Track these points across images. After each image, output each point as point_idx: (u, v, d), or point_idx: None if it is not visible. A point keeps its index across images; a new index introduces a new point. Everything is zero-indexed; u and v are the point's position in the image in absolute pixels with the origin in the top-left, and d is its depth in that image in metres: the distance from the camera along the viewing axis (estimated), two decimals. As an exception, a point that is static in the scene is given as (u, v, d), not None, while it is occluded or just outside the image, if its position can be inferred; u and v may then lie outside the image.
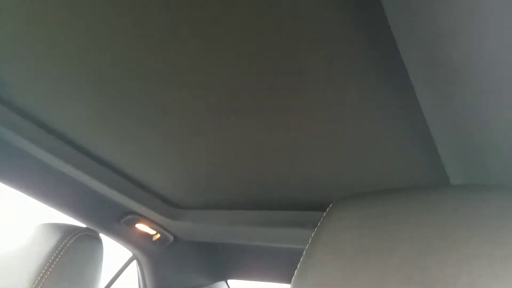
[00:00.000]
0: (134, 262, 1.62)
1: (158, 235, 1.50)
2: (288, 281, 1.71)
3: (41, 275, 0.84)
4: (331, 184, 0.98)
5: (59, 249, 0.89)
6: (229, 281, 1.86)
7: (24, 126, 0.96)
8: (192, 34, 0.62)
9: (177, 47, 0.65)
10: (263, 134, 0.86)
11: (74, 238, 0.92)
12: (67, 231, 0.93)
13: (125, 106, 0.84)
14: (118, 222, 1.40)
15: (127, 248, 1.55)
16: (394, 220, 0.52)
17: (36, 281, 0.83)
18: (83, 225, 1.19)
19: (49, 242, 0.90)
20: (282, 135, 0.85)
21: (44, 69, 0.79)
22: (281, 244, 1.35)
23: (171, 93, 0.77)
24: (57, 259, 0.88)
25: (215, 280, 1.78)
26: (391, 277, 0.45)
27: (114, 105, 0.85)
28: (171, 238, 1.52)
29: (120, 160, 1.13)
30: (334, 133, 0.79)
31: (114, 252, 1.57)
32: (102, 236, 1.27)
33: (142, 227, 1.44)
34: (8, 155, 1.07)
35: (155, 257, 1.59)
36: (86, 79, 0.78)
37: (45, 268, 0.86)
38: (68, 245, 0.91)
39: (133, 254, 1.58)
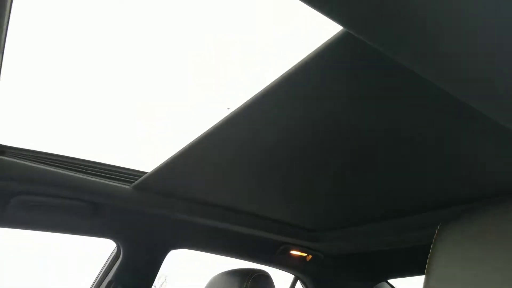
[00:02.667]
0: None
1: (310, 256, 1.75)
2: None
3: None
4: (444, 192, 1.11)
5: (243, 288, 1.20)
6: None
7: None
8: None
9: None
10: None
11: (251, 279, 1.22)
12: (245, 274, 1.23)
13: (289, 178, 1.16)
14: (275, 254, 1.69)
15: (288, 272, 1.84)
16: (492, 238, 0.65)
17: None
18: (253, 266, 1.52)
19: (235, 285, 1.22)
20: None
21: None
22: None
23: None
24: None
25: (376, 281, 1.95)
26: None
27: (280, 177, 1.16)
28: (322, 255, 1.76)
29: (270, 209, 1.44)
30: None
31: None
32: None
33: (295, 252, 1.71)
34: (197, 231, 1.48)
35: (314, 273, 1.85)
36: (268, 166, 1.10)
37: None
38: (248, 285, 1.21)
39: (295, 276, 1.85)
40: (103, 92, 1.03)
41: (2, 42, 0.70)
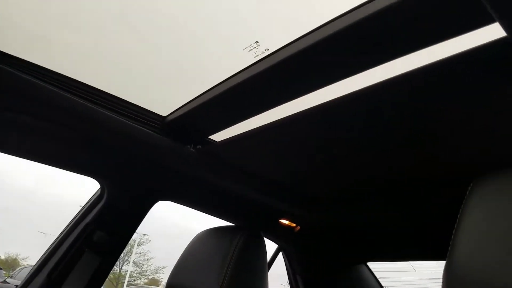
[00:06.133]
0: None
1: (299, 227, 1.69)
2: (425, 258, 1.77)
3: (226, 266, 1.08)
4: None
5: (234, 246, 1.12)
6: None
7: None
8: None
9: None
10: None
11: (243, 237, 1.15)
12: (237, 232, 1.16)
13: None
14: (264, 219, 1.62)
15: (273, 241, 1.78)
16: None
17: (224, 272, 1.07)
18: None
19: (227, 242, 1.14)
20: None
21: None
22: (416, 223, 1.43)
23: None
24: (234, 254, 1.11)
25: (356, 263, 1.91)
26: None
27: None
28: (311, 228, 1.70)
29: (270, 171, 1.37)
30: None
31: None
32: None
33: (285, 221, 1.65)
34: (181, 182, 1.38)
35: (298, 246, 1.79)
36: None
37: (228, 261, 1.09)
38: (240, 243, 1.13)
39: (279, 245, 1.80)
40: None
41: None
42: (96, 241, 1.33)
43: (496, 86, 0.74)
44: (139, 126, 1.12)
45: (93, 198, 1.38)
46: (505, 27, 0.60)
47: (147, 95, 1.14)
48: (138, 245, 24.00)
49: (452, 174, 1.13)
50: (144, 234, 23.91)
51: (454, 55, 0.71)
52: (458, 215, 0.67)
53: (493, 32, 0.64)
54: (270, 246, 1.87)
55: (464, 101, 0.82)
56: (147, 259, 25.12)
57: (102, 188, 1.35)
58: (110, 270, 1.39)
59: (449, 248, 0.64)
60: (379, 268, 2.08)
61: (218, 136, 1.25)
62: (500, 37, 0.64)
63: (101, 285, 1.39)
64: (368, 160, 1.18)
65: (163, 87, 1.12)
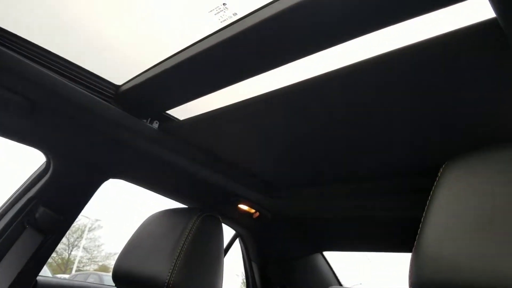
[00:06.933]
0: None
1: (258, 213, 1.65)
2: (382, 249, 1.78)
3: (179, 249, 1.02)
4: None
5: (189, 228, 1.06)
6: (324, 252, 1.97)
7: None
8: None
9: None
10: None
11: (200, 219, 1.08)
12: (194, 214, 1.10)
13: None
14: (222, 204, 1.56)
15: (231, 227, 1.73)
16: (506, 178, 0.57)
17: (176, 256, 1.01)
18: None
19: (182, 223, 1.08)
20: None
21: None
22: (379, 213, 1.42)
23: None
24: (189, 236, 1.05)
25: (312, 251, 1.90)
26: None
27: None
28: (269, 215, 1.66)
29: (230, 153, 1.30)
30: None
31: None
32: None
33: (243, 207, 1.60)
34: (136, 159, 1.29)
35: (256, 233, 1.75)
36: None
37: (182, 243, 1.03)
38: (196, 224, 1.07)
39: (236, 231, 1.75)
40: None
41: None
42: (38, 218, 1.22)
43: (478, 68, 0.72)
44: (90, 94, 1.03)
45: (38, 172, 1.27)
46: (494, 7, 0.57)
47: (100, 60, 1.04)
48: (89, 230, 23.23)
49: (422, 160, 1.11)
50: (96, 220, 23.17)
51: (435, 37, 0.68)
52: (429, 199, 0.64)
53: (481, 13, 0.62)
54: (227, 234, 1.82)
55: (443, 80, 0.79)
56: (98, 245, 24.37)
57: (47, 161, 1.23)
58: (53, 250, 1.28)
59: (418, 231, 0.62)
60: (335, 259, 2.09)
61: (177, 111, 1.18)
62: (488, 18, 0.62)
63: (43, 266, 1.28)
64: (330, 148, 1.15)
65: (118, 52, 1.03)
